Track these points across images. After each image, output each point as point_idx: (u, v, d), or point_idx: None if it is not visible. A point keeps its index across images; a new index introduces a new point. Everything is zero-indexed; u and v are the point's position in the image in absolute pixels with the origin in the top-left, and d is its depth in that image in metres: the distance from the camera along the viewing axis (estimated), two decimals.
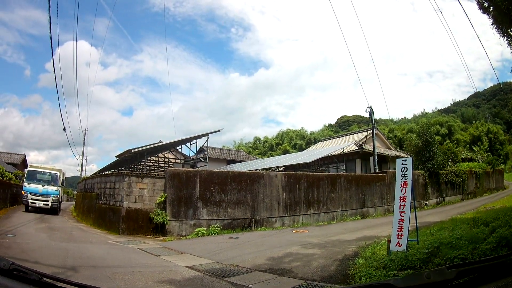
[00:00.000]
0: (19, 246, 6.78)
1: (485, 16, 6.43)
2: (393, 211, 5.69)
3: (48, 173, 16.82)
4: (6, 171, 24.79)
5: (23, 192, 15.74)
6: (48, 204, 15.56)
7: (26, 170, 17.51)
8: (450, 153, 25.68)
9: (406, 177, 5.41)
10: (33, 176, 16.29)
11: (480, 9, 6.42)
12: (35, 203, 15.27)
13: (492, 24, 6.40)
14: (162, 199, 10.26)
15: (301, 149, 47.53)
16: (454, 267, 1.31)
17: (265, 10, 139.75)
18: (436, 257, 4.48)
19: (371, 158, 18.63)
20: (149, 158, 21.65)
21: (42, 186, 15.76)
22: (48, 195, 15.76)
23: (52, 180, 16.50)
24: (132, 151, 15.74)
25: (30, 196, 15.33)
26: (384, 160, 21.37)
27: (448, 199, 18.74)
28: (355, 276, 4.71)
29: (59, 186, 17.03)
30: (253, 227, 11.00)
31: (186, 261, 6.37)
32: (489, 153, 39.81)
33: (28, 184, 15.74)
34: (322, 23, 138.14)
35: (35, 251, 6.42)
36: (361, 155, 20.51)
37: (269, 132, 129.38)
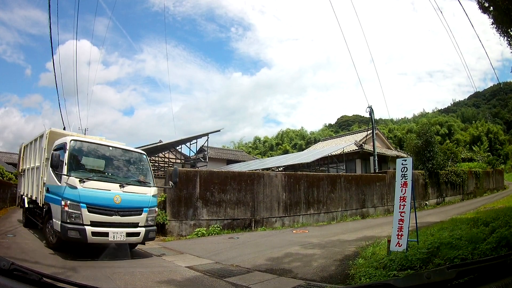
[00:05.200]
0: (19, 246, 6.77)
1: (485, 15, 6.45)
2: (393, 211, 5.69)
3: (126, 155, 7.31)
4: (6, 171, 24.84)
5: (63, 204, 5.82)
6: (138, 234, 6.47)
7: (59, 145, 6.80)
8: (450, 153, 25.72)
9: (406, 177, 5.41)
10: (88, 162, 6.73)
11: (480, 9, 6.43)
12: (107, 234, 6.01)
13: (492, 24, 6.41)
14: (162, 199, 10.25)
15: (301, 149, 47.53)
16: (454, 267, 1.31)
17: (265, 10, 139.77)
18: (436, 257, 4.48)
19: (371, 158, 18.64)
20: (149, 158, 21.65)
21: (121, 186, 6.39)
22: (136, 210, 6.52)
23: (139, 173, 7.29)
24: None
25: (88, 217, 5.88)
26: (384, 160, 21.38)
27: (448, 199, 18.75)
28: (355, 276, 4.71)
29: (155, 187, 7.25)
30: (253, 227, 11.00)
31: (186, 261, 6.37)
32: (489, 153, 39.83)
33: (81, 182, 5.97)
34: (323, 23, 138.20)
35: (35, 251, 6.41)
36: (361, 155, 20.52)
37: (270, 132, 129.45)
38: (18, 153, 10.89)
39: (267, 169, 18.33)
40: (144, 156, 7.72)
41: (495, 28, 6.41)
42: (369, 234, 8.47)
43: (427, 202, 17.15)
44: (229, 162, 29.18)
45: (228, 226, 10.66)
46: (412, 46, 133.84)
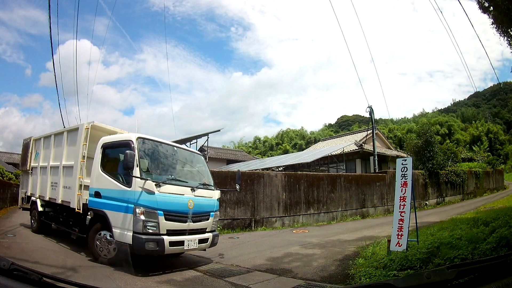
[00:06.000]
0: (18, 246, 6.77)
1: (485, 15, 6.44)
2: (393, 211, 5.69)
3: (189, 156, 6.95)
4: (6, 171, 24.86)
5: (139, 212, 5.07)
6: (206, 240, 6.08)
7: (116, 142, 6.01)
8: (450, 153, 25.69)
9: (406, 177, 5.41)
10: (156, 164, 5.89)
11: (480, 8, 6.42)
12: (183, 242, 5.51)
13: (492, 24, 6.41)
14: None
15: (301, 149, 47.55)
16: (454, 267, 1.31)
17: (265, 10, 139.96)
18: (436, 257, 4.48)
19: (371, 158, 18.63)
20: None
21: (192, 190, 5.85)
22: (205, 215, 6.13)
23: (202, 175, 6.69)
24: None
25: (165, 225, 5.24)
26: (384, 160, 21.37)
27: (448, 199, 18.75)
28: (355, 276, 4.71)
29: (219, 190, 6.84)
30: (253, 227, 11.00)
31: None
32: (489, 153, 39.89)
33: (157, 186, 5.26)
34: (323, 23, 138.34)
35: (35, 251, 6.41)
36: (361, 155, 20.51)
37: (270, 132, 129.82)
38: (22, 149, 9.44)
39: (267, 169, 18.32)
40: (202, 158, 7.18)
41: (495, 28, 6.41)
42: (369, 234, 8.47)
43: (427, 202, 17.15)
44: (229, 162, 29.17)
45: (228, 226, 10.66)
46: (412, 46, 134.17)
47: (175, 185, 5.57)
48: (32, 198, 8.44)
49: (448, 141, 43.32)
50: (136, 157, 5.28)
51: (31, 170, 8.72)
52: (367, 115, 19.12)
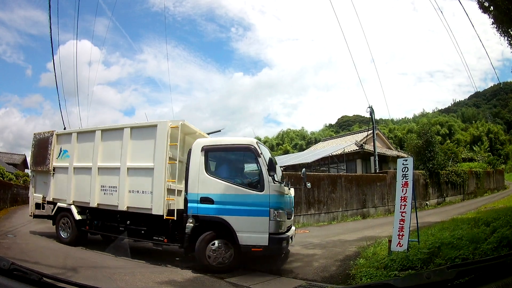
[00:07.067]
0: (19, 247, 6.78)
1: (486, 15, 6.45)
2: (393, 211, 5.70)
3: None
4: (6, 171, 24.88)
5: (275, 214, 5.33)
6: (293, 236, 6.36)
7: (229, 146, 6.11)
8: (451, 153, 25.64)
9: (406, 177, 5.40)
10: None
11: (480, 8, 6.42)
12: (291, 237, 6.00)
13: (492, 24, 6.42)
14: None
15: (301, 149, 47.54)
16: (454, 267, 1.31)
17: (264, 10, 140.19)
18: (437, 257, 4.48)
19: (372, 158, 18.60)
20: None
21: (289, 189, 6.70)
22: (292, 212, 6.98)
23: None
24: None
25: (286, 223, 5.83)
26: (385, 160, 21.34)
27: (449, 199, 18.72)
28: (356, 276, 4.71)
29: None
30: None
31: (186, 262, 6.35)
32: (490, 153, 39.82)
33: (277, 187, 5.59)
34: (323, 23, 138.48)
35: (35, 251, 6.41)
36: (362, 155, 20.48)
37: (270, 132, 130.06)
38: (35, 145, 8.09)
39: None
40: None
41: (495, 28, 6.41)
42: (370, 234, 8.46)
43: (427, 202, 17.12)
44: None
45: None
46: (412, 46, 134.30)
47: (286, 186, 6.20)
48: (59, 204, 7.38)
49: (448, 141, 43.25)
50: (263, 161, 5.46)
51: (54, 170, 7.64)
52: (367, 115, 19.11)
